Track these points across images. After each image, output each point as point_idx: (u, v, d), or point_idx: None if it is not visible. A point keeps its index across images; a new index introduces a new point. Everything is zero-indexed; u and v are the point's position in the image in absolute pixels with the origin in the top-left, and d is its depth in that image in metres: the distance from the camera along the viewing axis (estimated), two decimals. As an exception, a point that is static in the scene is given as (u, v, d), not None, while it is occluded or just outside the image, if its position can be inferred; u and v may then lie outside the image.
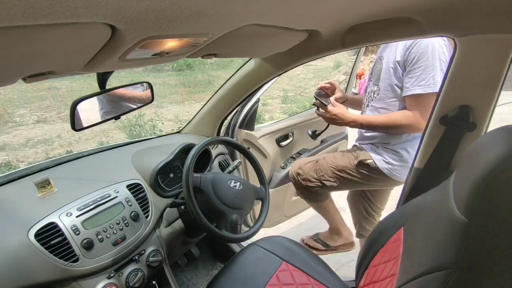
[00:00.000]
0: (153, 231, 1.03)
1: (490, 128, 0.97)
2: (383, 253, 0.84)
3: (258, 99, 1.65)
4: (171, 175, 1.19)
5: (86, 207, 0.87)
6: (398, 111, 1.25)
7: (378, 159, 1.33)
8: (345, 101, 1.48)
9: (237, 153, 1.62)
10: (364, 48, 2.18)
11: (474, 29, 0.89)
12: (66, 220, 0.82)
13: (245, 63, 1.36)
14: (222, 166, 1.42)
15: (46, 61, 0.49)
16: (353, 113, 1.32)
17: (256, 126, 1.73)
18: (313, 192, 1.52)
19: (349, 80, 2.21)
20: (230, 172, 1.33)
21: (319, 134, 1.54)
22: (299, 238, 1.95)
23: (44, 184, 0.88)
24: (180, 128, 1.58)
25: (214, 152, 1.34)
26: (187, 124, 1.55)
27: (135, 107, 1.02)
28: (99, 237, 0.86)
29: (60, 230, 0.80)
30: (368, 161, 1.34)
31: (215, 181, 1.05)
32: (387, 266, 0.79)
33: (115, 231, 0.89)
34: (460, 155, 0.99)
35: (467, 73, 0.96)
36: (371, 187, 1.48)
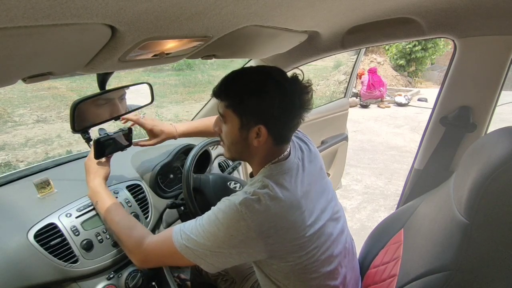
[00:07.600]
0: (153, 232, 1.03)
1: (491, 129, 0.97)
2: (383, 254, 0.84)
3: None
4: (171, 176, 1.19)
5: (86, 208, 0.87)
6: None
7: None
8: None
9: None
10: (365, 48, 2.17)
11: (474, 31, 0.89)
12: (66, 221, 0.82)
13: (245, 64, 1.35)
14: (222, 167, 1.41)
15: (46, 62, 0.48)
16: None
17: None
18: None
19: (349, 80, 2.20)
20: (230, 173, 1.33)
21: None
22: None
23: (43, 185, 0.88)
24: (180, 129, 1.58)
25: (213, 153, 1.34)
26: (187, 124, 1.55)
27: (135, 107, 1.02)
28: (99, 238, 0.85)
29: (59, 231, 0.80)
30: None
31: (215, 182, 1.04)
32: (387, 267, 0.78)
33: (114, 232, 0.89)
34: (460, 156, 0.99)
35: (467, 74, 0.96)
36: None
